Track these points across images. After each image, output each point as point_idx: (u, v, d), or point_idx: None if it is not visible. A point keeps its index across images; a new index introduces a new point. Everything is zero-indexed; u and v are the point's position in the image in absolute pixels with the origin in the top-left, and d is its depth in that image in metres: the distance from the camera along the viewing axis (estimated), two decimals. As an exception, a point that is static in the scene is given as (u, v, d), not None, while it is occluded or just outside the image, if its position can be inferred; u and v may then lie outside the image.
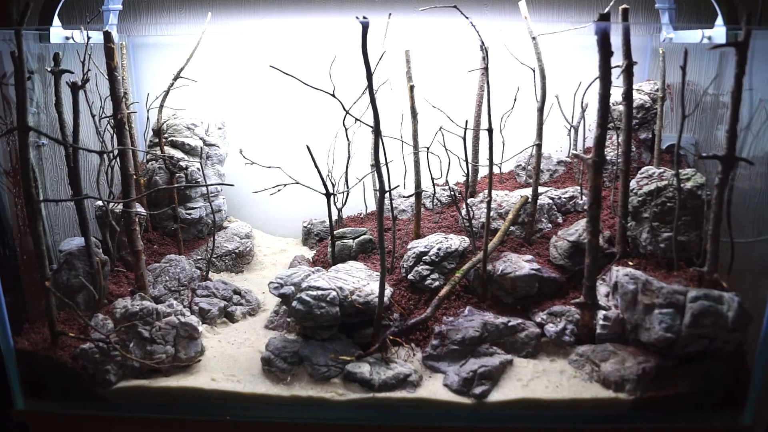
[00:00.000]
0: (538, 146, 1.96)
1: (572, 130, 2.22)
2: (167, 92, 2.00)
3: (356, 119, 1.59)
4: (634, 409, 1.60)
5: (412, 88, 1.94)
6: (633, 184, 1.89)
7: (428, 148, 1.96)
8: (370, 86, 1.51)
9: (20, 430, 1.71)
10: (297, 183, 1.92)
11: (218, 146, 2.26)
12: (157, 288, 1.92)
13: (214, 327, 1.93)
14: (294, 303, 1.70)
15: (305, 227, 2.35)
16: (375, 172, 1.62)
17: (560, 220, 2.08)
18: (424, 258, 1.89)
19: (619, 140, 1.88)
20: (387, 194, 1.92)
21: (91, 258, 1.79)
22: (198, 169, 2.15)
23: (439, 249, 1.89)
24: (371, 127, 1.58)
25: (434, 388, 1.64)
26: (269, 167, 2.00)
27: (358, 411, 1.61)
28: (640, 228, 1.85)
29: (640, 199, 1.85)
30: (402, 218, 2.27)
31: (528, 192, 2.10)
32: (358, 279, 1.80)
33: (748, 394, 1.60)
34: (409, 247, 1.93)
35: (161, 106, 2.03)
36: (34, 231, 1.57)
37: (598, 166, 1.63)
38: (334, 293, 1.70)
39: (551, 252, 1.95)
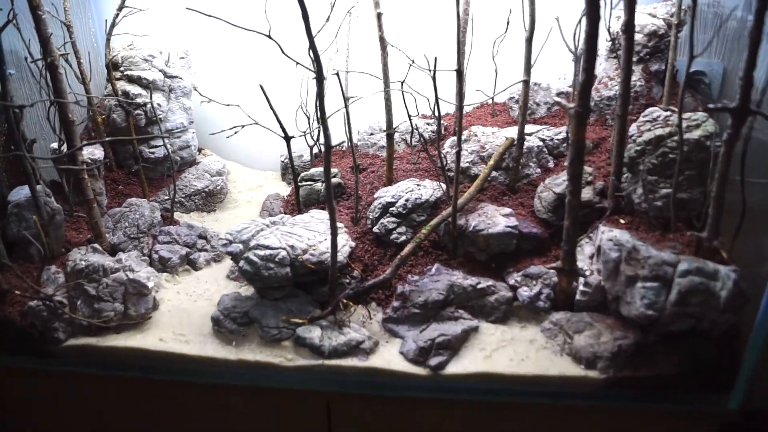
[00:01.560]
0: (525, 83, 1.68)
1: (577, 58, 1.91)
2: (114, 22, 1.79)
3: (296, 63, 1.36)
4: (607, 388, 1.44)
5: (379, 15, 1.67)
6: (633, 128, 1.62)
7: (402, 83, 1.71)
8: (306, 24, 1.28)
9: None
10: (256, 123, 1.73)
11: (181, 78, 2.05)
12: (117, 235, 1.82)
13: (176, 276, 1.83)
14: (241, 263, 1.57)
15: (282, 162, 2.18)
16: (321, 126, 1.41)
17: (551, 164, 1.83)
18: (390, 209, 1.71)
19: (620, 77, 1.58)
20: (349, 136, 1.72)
21: (39, 209, 1.68)
22: (159, 104, 1.97)
23: (407, 200, 1.70)
24: (312, 71, 1.36)
25: (389, 356, 1.52)
26: (228, 105, 1.81)
27: (306, 377, 1.52)
28: (636, 182, 1.60)
29: (638, 148, 1.58)
30: (381, 155, 2.06)
31: (527, 129, 1.85)
32: (316, 234, 1.65)
33: (737, 377, 1.41)
34: (375, 196, 1.75)
35: (108, 39, 1.82)
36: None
37: (581, 117, 1.37)
38: (284, 253, 1.56)
39: (535, 203, 1.73)
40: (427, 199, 1.71)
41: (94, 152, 1.89)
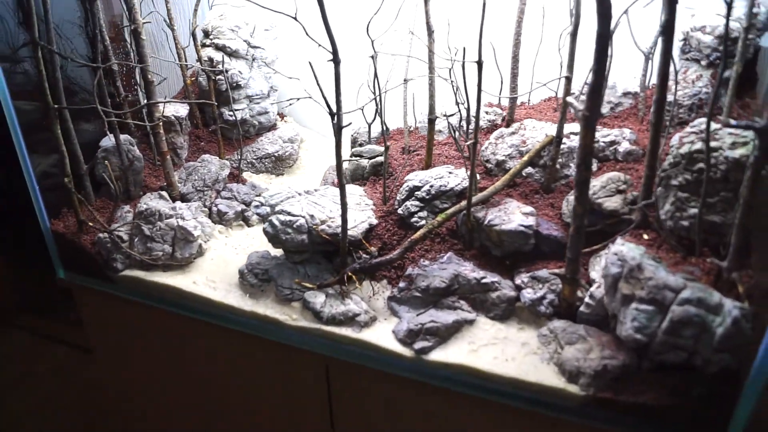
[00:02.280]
0: (567, 79, 1.60)
1: (646, 57, 1.76)
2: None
3: (318, 44, 1.42)
4: (584, 405, 1.38)
5: (426, 1, 1.67)
6: (676, 139, 1.48)
7: (451, 69, 1.71)
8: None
9: (65, 294, 2.03)
10: (309, 97, 1.83)
11: (263, 48, 2.22)
12: (187, 186, 2.05)
13: (229, 229, 2.02)
14: (265, 225, 1.70)
15: (353, 136, 2.28)
16: (336, 107, 1.47)
17: (595, 167, 1.73)
18: (416, 193, 1.73)
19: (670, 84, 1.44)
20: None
21: (120, 155, 1.95)
22: (240, 72, 2.16)
23: (431, 186, 1.71)
24: (330, 51, 1.42)
25: (382, 333, 1.58)
26: (290, 78, 1.94)
27: (304, 337, 1.63)
28: (667, 197, 1.47)
29: (674, 160, 1.45)
30: (438, 139, 2.06)
31: (571, 128, 1.76)
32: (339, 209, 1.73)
33: (729, 422, 1.28)
34: (405, 178, 1.78)
35: (195, 9, 2.03)
36: (54, 134, 1.76)
37: (589, 121, 1.30)
38: (302, 220, 1.67)
39: (563, 206, 1.65)
40: (452, 187, 1.71)
41: (178, 110, 2.13)
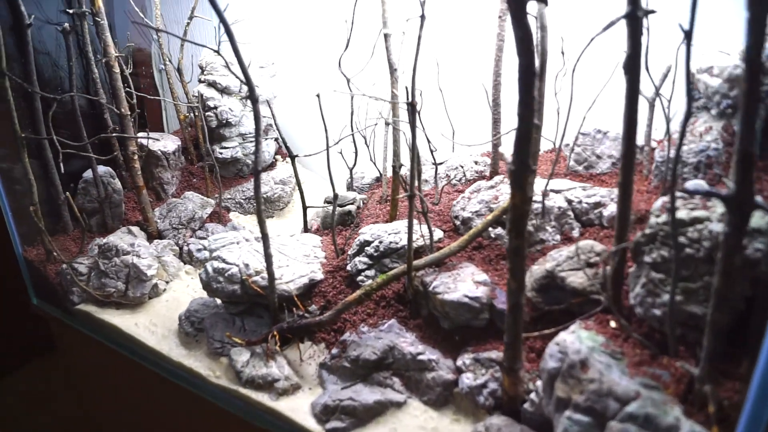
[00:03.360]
0: (537, 128, 1.33)
1: (653, 104, 1.45)
2: (185, 31, 1.92)
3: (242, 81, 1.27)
4: None
5: (387, 36, 1.48)
6: (658, 204, 1.17)
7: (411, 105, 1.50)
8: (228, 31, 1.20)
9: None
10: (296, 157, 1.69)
11: (258, 86, 2.11)
12: (164, 222, 1.96)
13: (198, 270, 1.90)
14: (200, 271, 1.55)
15: (347, 180, 2.11)
16: (256, 147, 1.31)
17: (576, 232, 1.42)
18: (366, 249, 1.51)
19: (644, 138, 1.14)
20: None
21: (97, 186, 1.90)
22: (230, 109, 2.06)
23: (380, 242, 1.49)
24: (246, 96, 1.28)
25: (299, 404, 1.36)
26: (275, 140, 1.81)
27: (225, 396, 1.44)
28: (638, 276, 1.15)
29: (650, 231, 1.14)
30: (425, 189, 1.83)
31: (559, 184, 1.48)
32: (283, 257, 1.55)
33: None
34: (360, 232, 1.57)
35: (181, 45, 1.97)
36: (22, 162, 1.73)
37: (516, 177, 1.03)
38: (235, 269, 1.50)
39: (527, 278, 1.36)
40: (404, 245, 1.47)
41: (167, 145, 2.06)
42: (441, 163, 1.79)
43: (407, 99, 1.23)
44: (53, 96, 1.65)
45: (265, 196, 2.13)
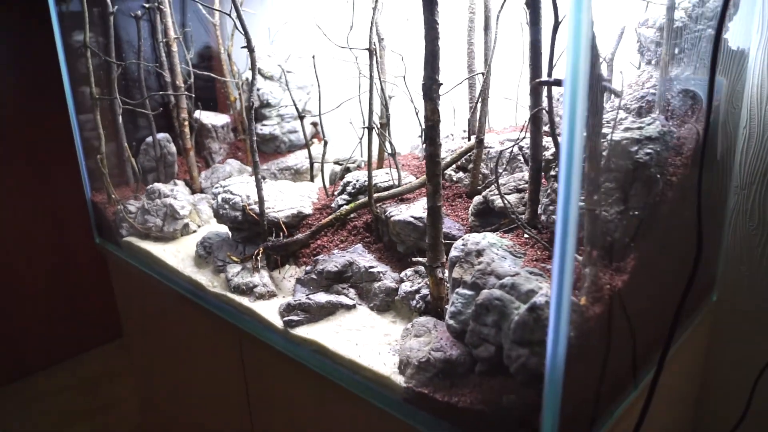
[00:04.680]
0: (483, 74, 1.50)
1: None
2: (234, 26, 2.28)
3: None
4: (405, 400, 1.21)
5: (374, 10, 1.72)
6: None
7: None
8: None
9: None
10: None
11: (293, 72, 2.43)
12: (207, 182, 2.29)
13: (226, 219, 2.19)
14: (212, 201, 1.83)
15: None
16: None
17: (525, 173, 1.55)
18: (347, 188, 1.73)
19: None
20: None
21: (155, 148, 2.27)
22: (271, 92, 2.38)
23: (357, 180, 1.70)
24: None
25: (271, 307, 1.57)
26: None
27: (214, 302, 1.69)
28: (546, 189, 1.27)
29: (554, 151, 1.26)
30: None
31: (512, 135, 1.63)
32: (280, 195, 1.80)
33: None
34: (346, 177, 1.78)
35: (231, 34, 2.33)
36: (95, 118, 2.14)
37: (426, 90, 1.22)
38: (238, 199, 1.77)
39: (470, 207, 1.51)
40: (376, 183, 1.67)
41: (216, 120, 2.41)
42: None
43: (369, 47, 1.47)
44: (118, 62, 2.05)
45: (295, 167, 2.40)
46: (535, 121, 1.27)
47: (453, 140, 1.94)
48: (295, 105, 1.93)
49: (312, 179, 2.08)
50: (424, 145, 1.26)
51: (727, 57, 1.54)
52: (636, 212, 1.14)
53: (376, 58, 1.51)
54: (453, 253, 1.23)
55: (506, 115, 1.91)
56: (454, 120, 1.95)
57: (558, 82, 1.13)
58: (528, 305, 1.00)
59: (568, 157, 0.82)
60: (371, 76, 1.50)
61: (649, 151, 1.13)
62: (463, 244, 1.23)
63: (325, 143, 1.95)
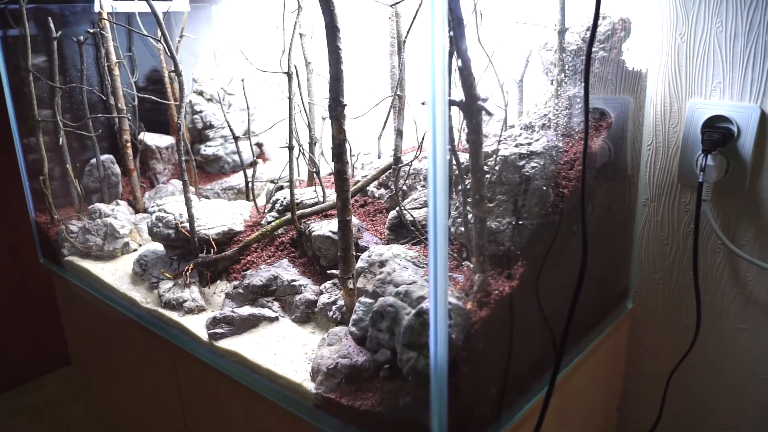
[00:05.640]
0: (399, 97, 1.58)
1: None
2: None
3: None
4: (316, 406, 1.26)
5: (302, 36, 1.80)
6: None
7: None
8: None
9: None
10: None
11: (235, 95, 2.49)
12: (151, 202, 2.33)
13: (168, 238, 2.22)
14: (147, 219, 1.87)
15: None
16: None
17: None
18: (275, 205, 1.78)
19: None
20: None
21: (98, 169, 2.31)
22: (213, 114, 2.44)
23: (285, 198, 1.76)
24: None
25: (199, 321, 1.61)
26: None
27: (147, 317, 1.72)
28: (455, 203, 1.35)
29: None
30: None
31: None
32: (212, 213, 1.85)
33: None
34: (276, 194, 1.84)
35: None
36: (37, 140, 2.17)
37: (332, 111, 1.29)
38: (171, 217, 1.81)
39: (386, 222, 1.58)
40: (303, 200, 1.73)
41: (160, 141, 2.46)
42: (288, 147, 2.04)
43: (287, 70, 1.54)
44: (59, 86, 2.10)
45: (238, 187, 2.46)
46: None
47: (380, 158, 2.02)
48: (229, 127, 1.98)
49: (250, 198, 2.13)
50: (332, 162, 1.33)
51: (626, 77, 1.64)
52: (526, 222, 1.22)
53: (299, 82, 1.59)
54: (359, 264, 1.29)
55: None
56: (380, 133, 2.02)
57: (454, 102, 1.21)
58: (415, 310, 1.06)
59: (433, 171, 0.89)
60: (290, 99, 1.57)
61: (534, 165, 1.21)
62: (368, 256, 1.29)
63: (255, 163, 2.01)
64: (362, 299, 1.21)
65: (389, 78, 1.82)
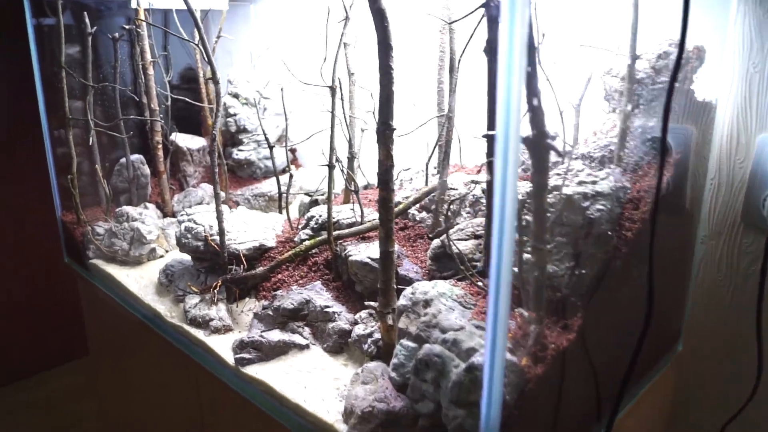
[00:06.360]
0: (449, 118, 1.49)
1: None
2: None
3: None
4: (348, 449, 1.18)
5: (345, 45, 1.71)
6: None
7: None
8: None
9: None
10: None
11: (271, 99, 2.41)
12: (179, 205, 2.26)
13: (195, 245, 2.16)
14: (176, 230, 1.80)
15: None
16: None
17: (487, 218, 1.53)
18: (310, 223, 1.70)
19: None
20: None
21: (128, 169, 2.25)
22: (248, 117, 2.37)
23: (320, 215, 1.67)
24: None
25: (225, 342, 1.54)
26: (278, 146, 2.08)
27: (172, 332, 1.65)
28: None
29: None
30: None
31: (481, 177, 1.61)
32: (242, 226, 1.77)
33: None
34: (311, 211, 1.76)
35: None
36: (66, 139, 2.11)
37: (380, 136, 1.19)
38: (200, 229, 1.74)
39: (429, 251, 1.48)
40: (339, 219, 1.65)
41: (192, 143, 2.39)
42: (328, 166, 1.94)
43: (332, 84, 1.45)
44: (92, 85, 2.04)
45: (269, 194, 2.38)
46: (490, 168, 1.25)
47: (427, 185, 1.92)
48: (265, 136, 1.91)
49: (281, 210, 2.05)
50: (378, 189, 1.24)
51: (693, 107, 1.52)
52: (587, 268, 1.11)
53: (341, 95, 1.50)
54: (401, 301, 1.20)
55: (480, 152, 1.90)
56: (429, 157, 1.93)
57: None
58: (466, 365, 0.97)
59: (500, 213, 0.79)
60: (333, 114, 1.48)
61: (600, 207, 1.10)
62: (411, 293, 1.20)
63: (291, 176, 1.93)
64: (404, 342, 1.12)
65: (435, 93, 1.72)
